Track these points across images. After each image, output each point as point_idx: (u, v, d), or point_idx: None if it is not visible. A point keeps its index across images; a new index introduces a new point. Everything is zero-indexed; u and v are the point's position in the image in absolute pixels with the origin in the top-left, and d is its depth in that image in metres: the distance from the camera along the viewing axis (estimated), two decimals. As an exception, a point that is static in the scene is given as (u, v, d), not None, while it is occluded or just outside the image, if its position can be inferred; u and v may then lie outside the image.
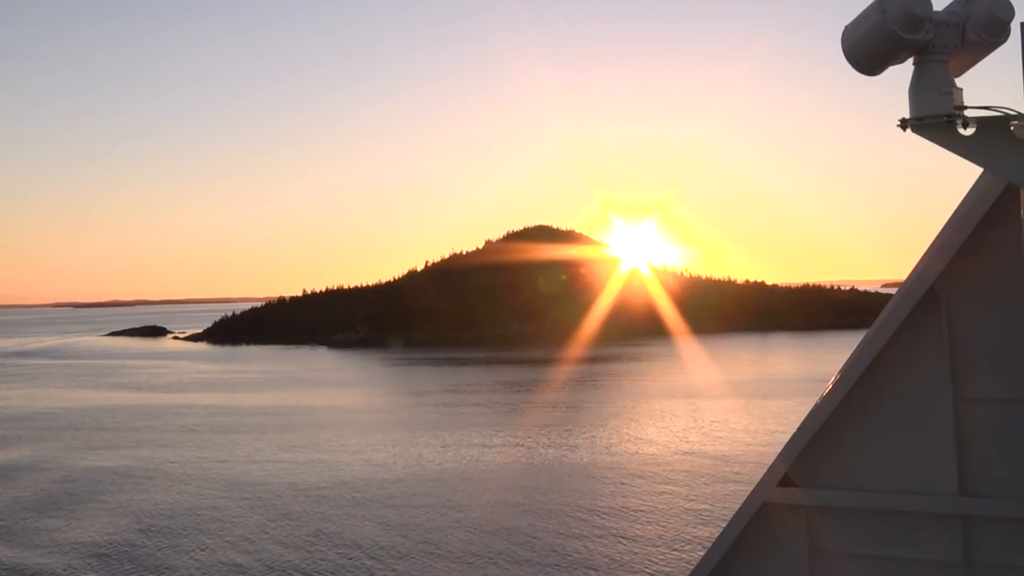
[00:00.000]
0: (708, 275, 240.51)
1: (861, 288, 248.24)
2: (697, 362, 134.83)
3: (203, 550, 41.86)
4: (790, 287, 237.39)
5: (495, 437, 70.69)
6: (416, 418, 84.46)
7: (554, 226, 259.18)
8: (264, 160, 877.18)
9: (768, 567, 6.98)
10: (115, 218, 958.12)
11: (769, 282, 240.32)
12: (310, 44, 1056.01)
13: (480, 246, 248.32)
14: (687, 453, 61.73)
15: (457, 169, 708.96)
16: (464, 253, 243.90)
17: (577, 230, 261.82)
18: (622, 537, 42.04)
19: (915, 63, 5.23)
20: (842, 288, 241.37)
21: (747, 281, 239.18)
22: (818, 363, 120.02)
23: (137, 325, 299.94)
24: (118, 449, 69.76)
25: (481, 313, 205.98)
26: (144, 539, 43.80)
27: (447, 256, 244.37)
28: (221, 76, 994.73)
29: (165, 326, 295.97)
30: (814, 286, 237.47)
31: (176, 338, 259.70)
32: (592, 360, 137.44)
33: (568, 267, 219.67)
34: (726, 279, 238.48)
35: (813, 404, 6.90)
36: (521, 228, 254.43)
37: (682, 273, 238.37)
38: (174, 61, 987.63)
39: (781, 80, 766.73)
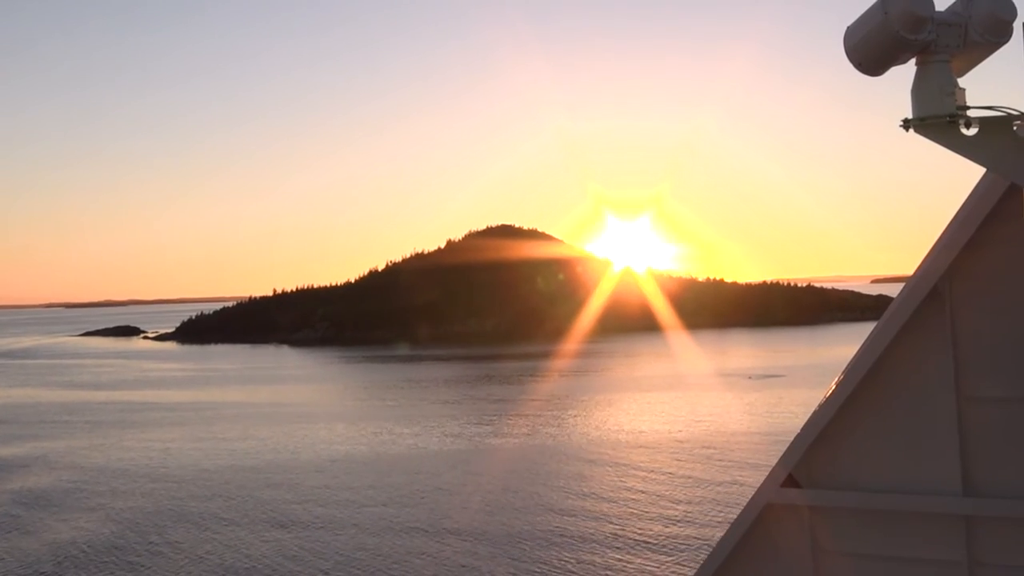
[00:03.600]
0: (669, 273, 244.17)
1: (851, 287, 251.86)
2: (649, 357, 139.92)
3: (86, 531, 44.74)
4: (749, 284, 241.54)
5: (444, 429, 74.18)
6: (365, 412, 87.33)
7: (516, 225, 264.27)
8: (259, 156, 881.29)
9: (772, 568, 6.96)
10: (109, 217, 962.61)
11: (728, 280, 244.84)
12: (298, 45, 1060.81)
13: (442, 245, 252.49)
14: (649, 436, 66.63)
15: (447, 165, 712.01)
16: (425, 252, 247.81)
17: (540, 229, 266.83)
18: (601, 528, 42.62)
19: (917, 63, 5.22)
20: (809, 285, 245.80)
21: (708, 279, 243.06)
22: (764, 358, 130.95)
23: (115, 325, 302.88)
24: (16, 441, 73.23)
25: (440, 311, 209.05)
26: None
27: (408, 255, 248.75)
28: (215, 74, 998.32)
29: (139, 326, 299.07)
30: (772, 283, 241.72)
31: (146, 337, 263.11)
32: (540, 356, 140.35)
33: (531, 265, 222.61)
34: (688, 277, 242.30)
35: (816, 403, 6.93)
36: (484, 228, 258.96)
37: (647, 270, 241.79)
38: (167, 62, 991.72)
39: (778, 75, 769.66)
